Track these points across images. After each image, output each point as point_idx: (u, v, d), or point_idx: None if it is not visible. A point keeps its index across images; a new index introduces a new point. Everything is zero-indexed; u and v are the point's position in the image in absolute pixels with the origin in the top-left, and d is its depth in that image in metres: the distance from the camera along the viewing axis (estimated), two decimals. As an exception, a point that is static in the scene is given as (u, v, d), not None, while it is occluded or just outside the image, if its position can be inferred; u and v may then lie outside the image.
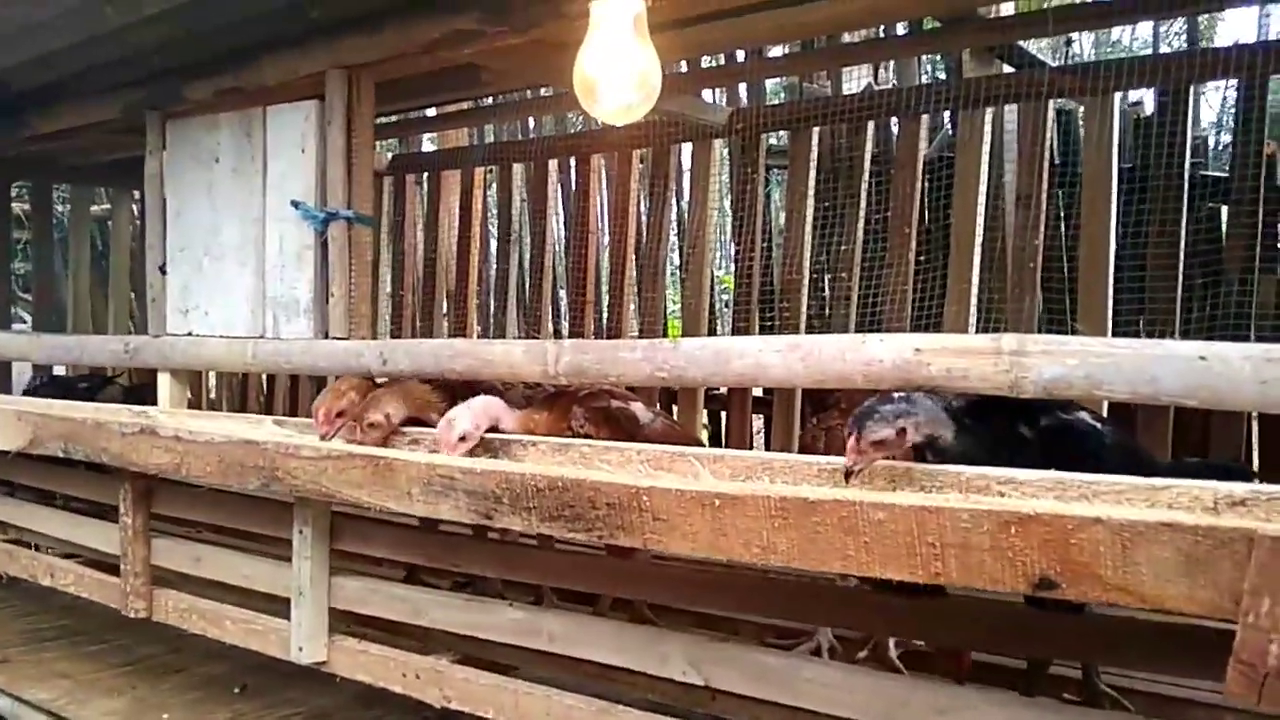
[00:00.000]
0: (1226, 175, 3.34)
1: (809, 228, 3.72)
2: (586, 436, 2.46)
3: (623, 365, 2.22)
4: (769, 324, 4.19)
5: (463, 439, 2.31)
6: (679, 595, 2.17)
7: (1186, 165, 3.16)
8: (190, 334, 3.35)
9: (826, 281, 4.02)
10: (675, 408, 3.92)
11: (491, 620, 2.45)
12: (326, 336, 2.92)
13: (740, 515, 1.75)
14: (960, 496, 1.54)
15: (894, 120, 3.91)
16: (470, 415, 2.30)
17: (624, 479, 1.91)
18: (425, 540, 2.53)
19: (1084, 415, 1.96)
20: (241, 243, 3.14)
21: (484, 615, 2.47)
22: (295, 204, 2.92)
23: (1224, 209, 3.38)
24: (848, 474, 1.84)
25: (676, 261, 4.82)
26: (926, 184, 3.59)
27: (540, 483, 2.02)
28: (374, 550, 2.70)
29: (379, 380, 2.76)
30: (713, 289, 4.34)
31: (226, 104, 3.19)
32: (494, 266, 5.10)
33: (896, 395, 1.80)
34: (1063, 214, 3.53)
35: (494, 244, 5.08)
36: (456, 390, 2.60)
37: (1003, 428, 1.89)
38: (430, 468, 2.21)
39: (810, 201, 3.73)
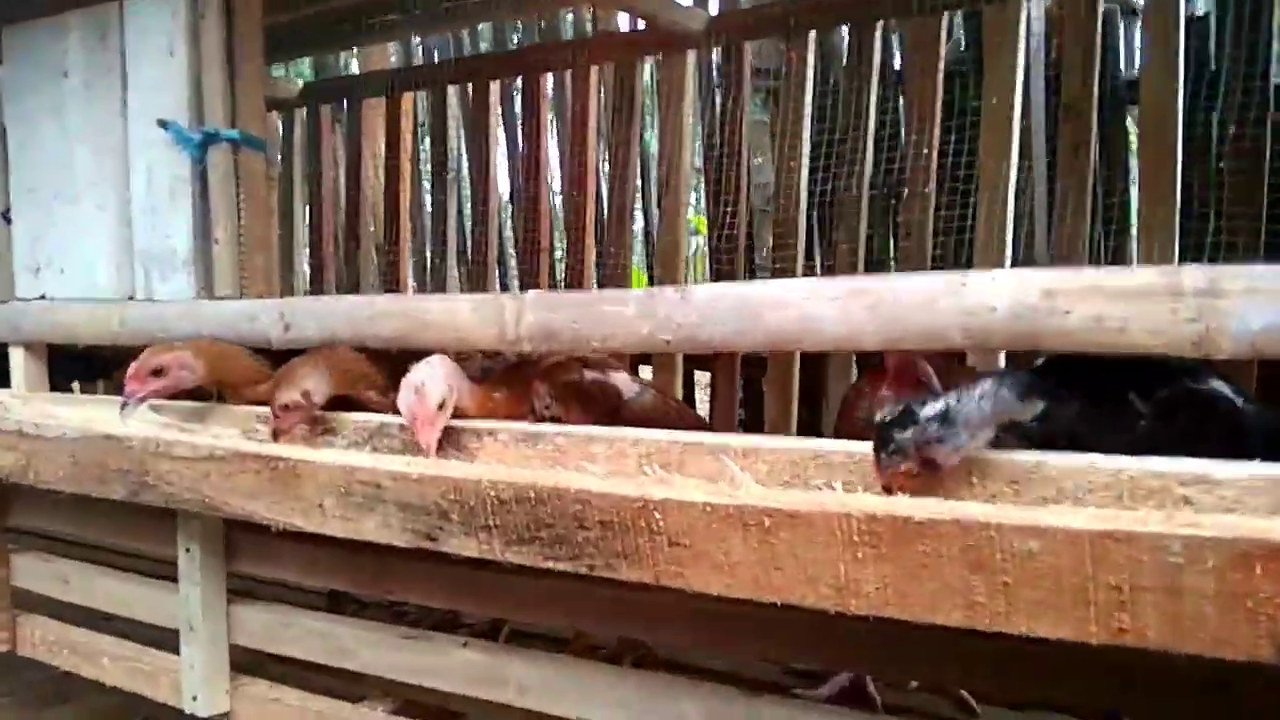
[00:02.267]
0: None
1: (806, 154, 3.16)
2: (554, 420, 1.89)
3: (609, 324, 1.67)
4: (754, 274, 3.65)
5: (442, 407, 1.73)
6: (700, 637, 1.64)
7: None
8: (44, 297, 2.69)
9: (816, 221, 3.48)
10: (647, 370, 3.36)
11: (440, 663, 1.91)
12: (211, 295, 2.31)
13: (804, 541, 1.22)
14: (1162, 516, 1.02)
15: (897, 25, 3.36)
16: (441, 373, 1.72)
17: (625, 488, 1.36)
18: (351, 560, 1.97)
19: (1220, 385, 1.44)
20: (100, 179, 2.49)
21: (430, 657, 1.92)
22: (164, 124, 2.28)
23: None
24: (887, 490, 1.35)
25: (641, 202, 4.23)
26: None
27: (504, 492, 1.47)
28: (282, 573, 2.13)
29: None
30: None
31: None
32: (429, 211, 4.45)
33: (931, 403, 1.32)
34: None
35: (428, 184, 4.43)
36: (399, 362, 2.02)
37: (1106, 399, 1.38)
38: (348, 472, 1.64)
39: (808, 124, 3.17)
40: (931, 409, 1.32)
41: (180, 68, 2.28)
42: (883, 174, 3.32)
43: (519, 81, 4.11)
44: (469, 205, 4.20)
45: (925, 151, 2.93)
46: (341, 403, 2.02)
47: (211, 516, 2.07)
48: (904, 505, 1.16)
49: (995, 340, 1.34)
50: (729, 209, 3.38)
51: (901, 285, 1.41)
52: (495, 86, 3.92)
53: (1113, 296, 1.24)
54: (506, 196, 4.42)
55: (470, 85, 4.07)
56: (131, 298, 2.47)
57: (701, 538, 1.30)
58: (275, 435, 1.90)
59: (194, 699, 2.18)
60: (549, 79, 4.01)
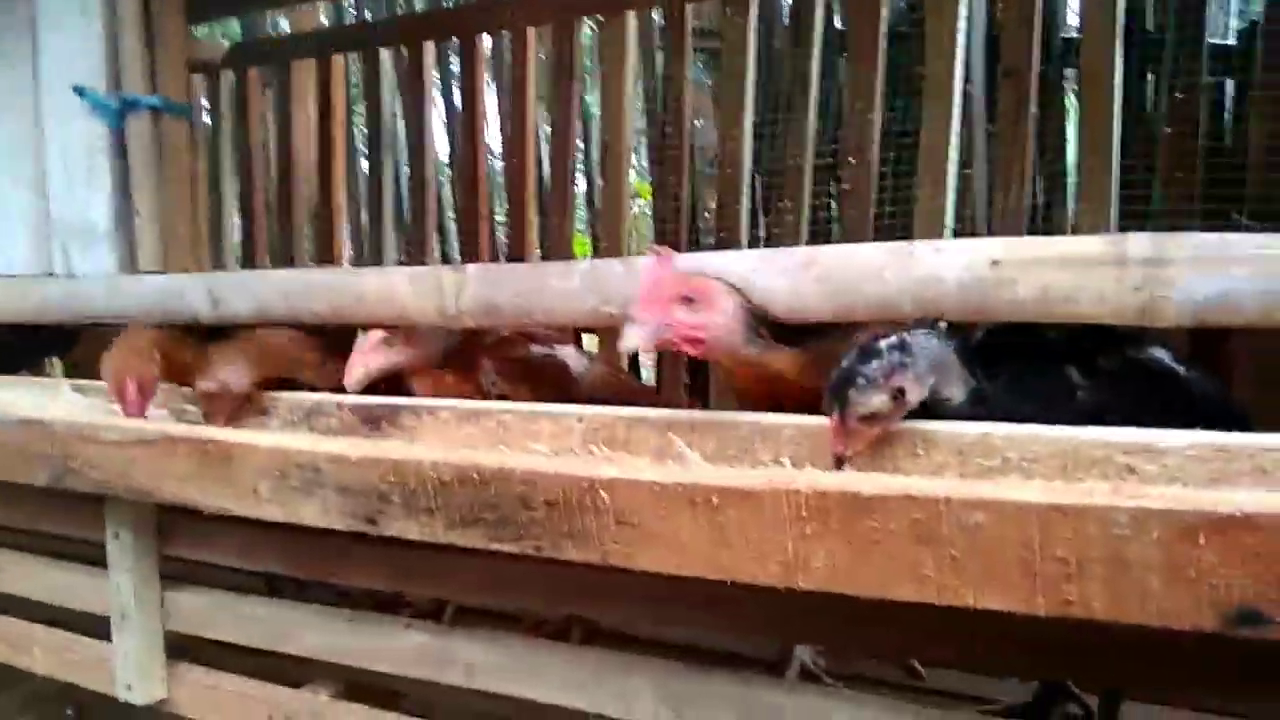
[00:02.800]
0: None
1: (749, 119, 3.12)
2: (501, 398, 1.86)
3: (552, 299, 1.63)
4: (698, 241, 3.62)
5: (386, 343, 1.69)
6: (647, 614, 1.63)
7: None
8: (-43, 275, 2.56)
9: (760, 188, 3.45)
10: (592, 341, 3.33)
11: (386, 646, 1.88)
12: (135, 270, 2.21)
13: (753, 518, 1.21)
14: (1109, 488, 1.02)
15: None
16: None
17: (572, 467, 1.33)
18: (290, 543, 1.92)
19: (1159, 353, 1.45)
20: (14, 151, 2.37)
21: (376, 640, 1.89)
22: (79, 91, 2.17)
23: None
24: (839, 462, 1.35)
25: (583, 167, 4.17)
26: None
27: (446, 473, 1.43)
28: (218, 557, 2.07)
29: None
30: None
31: (-22, -43, 2.38)
32: (363, 180, 4.33)
33: (885, 339, 1.30)
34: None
35: (364, 150, 4.30)
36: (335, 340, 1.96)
37: (1044, 374, 1.38)
38: (284, 454, 1.59)
39: (750, 88, 3.13)
40: (887, 342, 1.30)
41: (94, 31, 2.17)
42: (828, 139, 3.30)
43: (454, 42, 3.99)
44: (406, 172, 4.09)
45: (868, 117, 2.91)
46: (284, 384, 1.96)
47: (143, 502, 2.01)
48: (852, 480, 1.16)
49: (946, 311, 1.33)
50: (672, 174, 3.34)
51: (853, 255, 1.39)
52: (429, 49, 3.81)
53: (1059, 265, 1.24)
54: (446, 162, 4.32)
55: (405, 47, 3.95)
56: (51, 274, 2.36)
57: (650, 517, 1.29)
58: (205, 420, 1.84)
59: (128, 688, 2.12)
60: (486, 41, 3.91)
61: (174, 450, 1.73)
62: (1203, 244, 1.16)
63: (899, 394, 1.31)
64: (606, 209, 3.43)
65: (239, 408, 1.88)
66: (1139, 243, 1.19)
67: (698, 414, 1.52)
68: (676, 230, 3.37)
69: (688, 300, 1.41)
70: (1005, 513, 1.06)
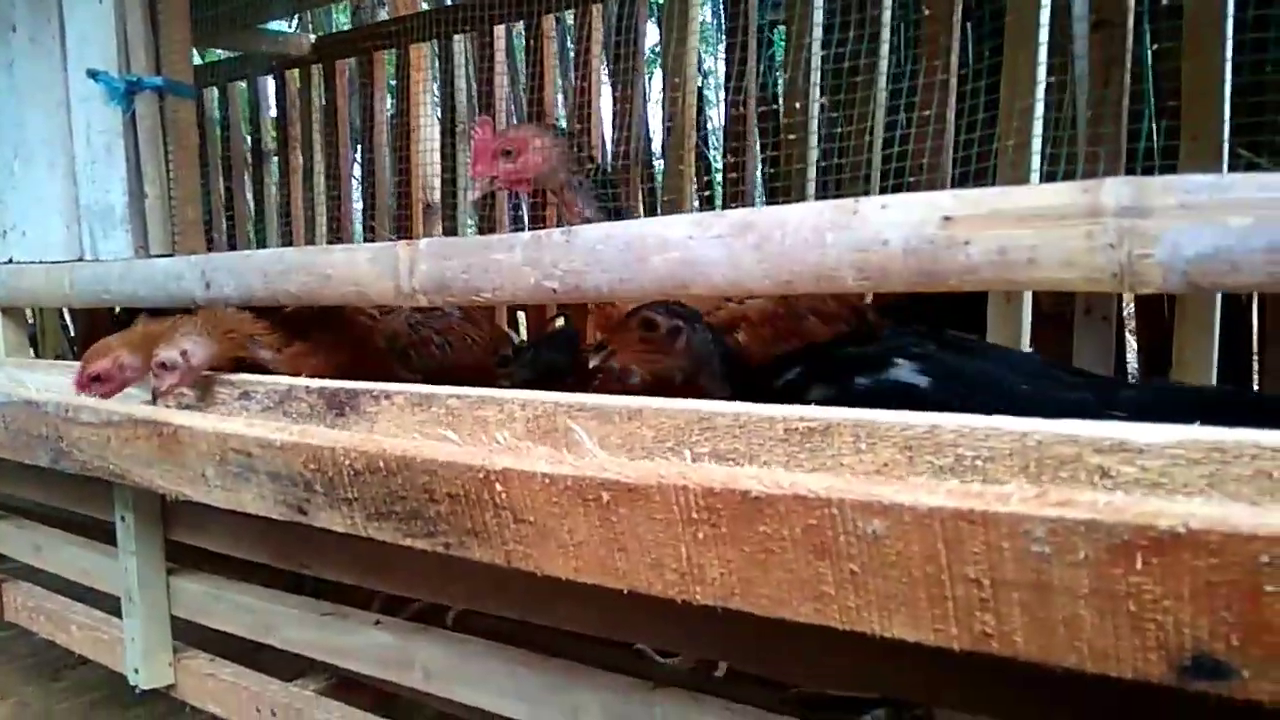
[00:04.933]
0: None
1: (693, 74, 2.87)
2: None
3: (498, 274, 1.49)
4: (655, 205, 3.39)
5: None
6: (600, 621, 1.47)
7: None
8: (11, 261, 2.65)
9: (709, 146, 3.19)
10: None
11: (354, 643, 1.79)
12: (148, 252, 2.22)
13: (644, 518, 1.04)
14: (1032, 491, 0.80)
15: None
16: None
17: (467, 456, 1.19)
18: (268, 531, 1.86)
19: (903, 371, 1.32)
20: (49, 136, 2.42)
21: (344, 636, 1.80)
22: (93, 74, 2.18)
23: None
24: None
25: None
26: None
27: (358, 461, 1.32)
28: (213, 543, 2.04)
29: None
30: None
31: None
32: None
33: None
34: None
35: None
36: (300, 321, 1.89)
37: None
38: (221, 439, 1.52)
39: (694, 42, 2.88)
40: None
41: (107, 14, 2.18)
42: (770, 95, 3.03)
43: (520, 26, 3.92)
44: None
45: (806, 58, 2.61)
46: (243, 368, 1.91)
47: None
48: (742, 477, 0.97)
49: (893, 280, 1.11)
50: (625, 132, 3.15)
51: (792, 217, 1.19)
52: (501, 31, 3.73)
53: (1018, 221, 1.01)
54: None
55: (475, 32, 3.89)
56: (81, 258, 2.40)
57: (544, 514, 1.13)
58: (154, 396, 1.80)
59: (135, 671, 2.13)
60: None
61: (136, 432, 1.69)
62: (1193, 187, 0.91)
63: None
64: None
65: (194, 383, 1.83)
66: (1116, 189, 0.95)
67: (636, 400, 1.34)
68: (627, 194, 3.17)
69: (507, 152, 1.72)
70: (905, 520, 0.85)
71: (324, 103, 4.33)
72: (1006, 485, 0.84)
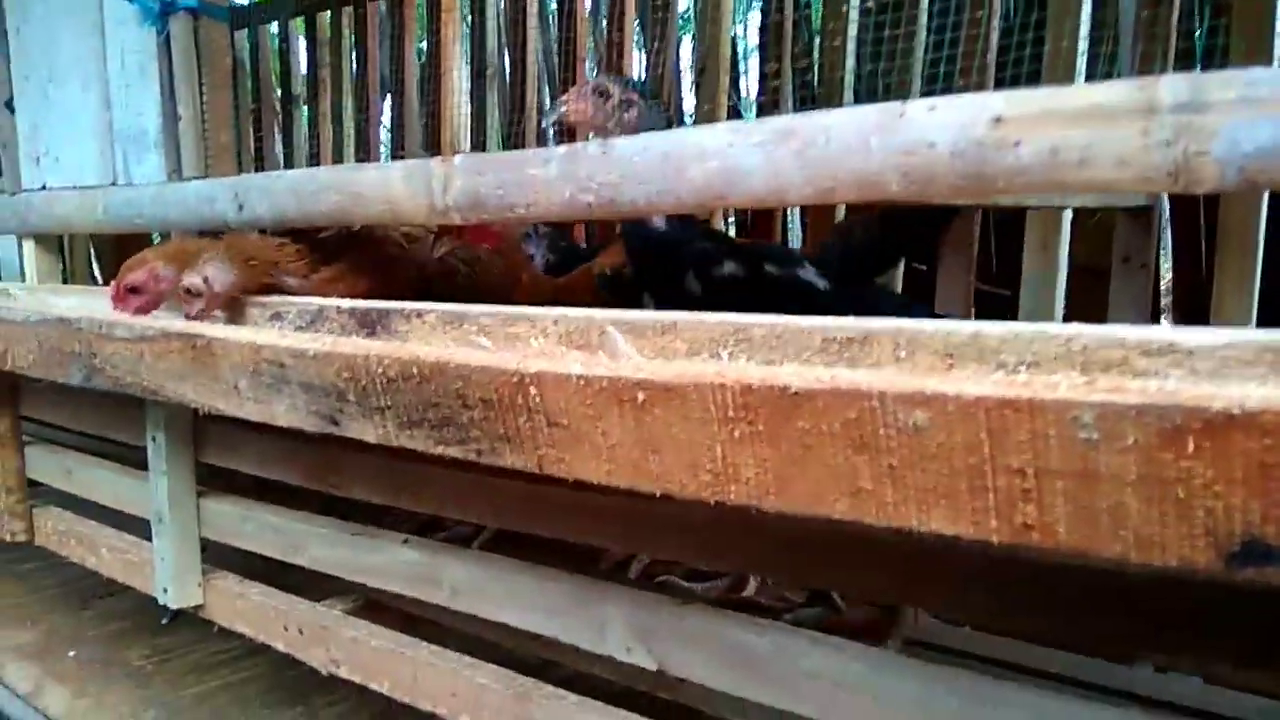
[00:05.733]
0: None
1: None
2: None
3: (533, 189, 1.48)
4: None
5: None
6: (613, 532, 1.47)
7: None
8: (44, 187, 2.67)
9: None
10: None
11: (382, 561, 1.81)
12: (180, 176, 2.22)
13: (680, 418, 1.03)
14: (1081, 379, 0.79)
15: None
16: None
17: (501, 361, 1.19)
18: (299, 451, 1.88)
19: (809, 271, 1.46)
20: (83, 58, 2.42)
21: (373, 555, 1.82)
22: (128, -5, 2.18)
23: None
24: None
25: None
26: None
27: (391, 369, 1.32)
28: (241, 464, 2.06)
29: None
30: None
31: None
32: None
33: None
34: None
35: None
36: (327, 248, 1.89)
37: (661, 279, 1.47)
38: (255, 350, 1.52)
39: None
40: None
41: (141, -68, 2.17)
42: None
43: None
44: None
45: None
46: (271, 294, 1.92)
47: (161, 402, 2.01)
48: (781, 374, 0.96)
49: (938, 186, 1.10)
50: (657, 42, 3.12)
51: (835, 123, 1.17)
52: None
53: (1071, 120, 0.98)
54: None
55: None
56: (114, 183, 2.41)
57: (579, 417, 1.13)
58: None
59: (164, 590, 2.16)
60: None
61: (169, 346, 1.70)
62: (1255, 81, 0.89)
63: None
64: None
65: (223, 308, 1.84)
66: (1173, 85, 0.93)
67: (669, 315, 1.34)
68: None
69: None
70: (950, 411, 0.84)
71: (354, 46, 4.32)
72: (1054, 376, 0.82)
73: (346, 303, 1.77)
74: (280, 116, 4.72)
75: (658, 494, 1.10)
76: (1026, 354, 1.03)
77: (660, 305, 1.49)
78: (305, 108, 4.76)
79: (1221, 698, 1.48)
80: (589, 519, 1.49)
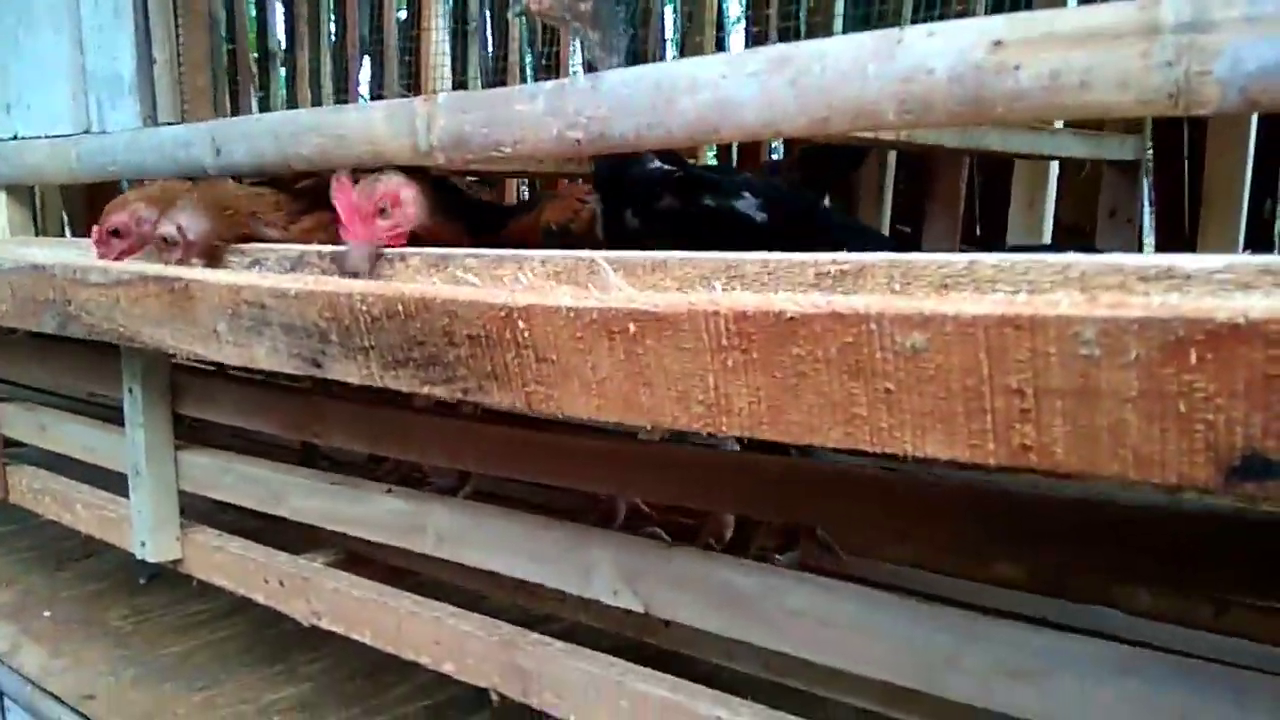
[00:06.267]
0: None
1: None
2: None
3: (520, 126, 1.45)
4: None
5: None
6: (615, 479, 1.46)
7: None
8: (16, 136, 2.61)
9: None
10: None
11: (364, 512, 1.79)
12: (156, 122, 2.17)
13: (671, 349, 1.02)
14: (1082, 297, 0.78)
15: None
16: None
17: (489, 295, 1.17)
18: (279, 402, 1.85)
19: (748, 202, 1.46)
20: (54, 1, 2.36)
21: (355, 505, 1.80)
22: (100, -67, 2.12)
23: None
24: None
25: None
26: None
27: (375, 306, 1.30)
28: (223, 416, 2.03)
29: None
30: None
31: None
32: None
33: None
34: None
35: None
36: (308, 196, 1.85)
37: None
38: (235, 291, 1.50)
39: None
40: None
41: None
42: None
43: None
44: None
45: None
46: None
47: (136, 350, 1.98)
48: (779, 300, 0.95)
49: (936, 113, 1.08)
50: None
51: (832, 50, 1.15)
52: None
53: (1072, 43, 0.97)
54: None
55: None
56: (88, 130, 2.36)
57: (568, 351, 1.11)
58: None
59: (142, 544, 2.13)
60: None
61: (146, 290, 1.67)
62: (1261, -2, 0.87)
63: None
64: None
65: (201, 257, 1.80)
66: (1174, 5, 0.91)
67: (659, 254, 1.32)
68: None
69: (381, 210, 1.62)
70: (948, 332, 0.83)
71: (333, 8, 4.25)
72: (1054, 294, 0.82)
73: (328, 248, 1.74)
74: (256, 75, 4.64)
75: (648, 428, 1.09)
76: (1023, 282, 1.02)
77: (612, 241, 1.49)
78: (282, 69, 4.68)
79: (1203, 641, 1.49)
80: (573, 463, 1.48)
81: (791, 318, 0.92)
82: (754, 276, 1.23)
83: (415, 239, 1.66)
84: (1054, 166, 2.49)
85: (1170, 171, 2.67)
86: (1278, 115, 2.77)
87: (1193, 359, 0.72)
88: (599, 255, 1.29)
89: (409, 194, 1.63)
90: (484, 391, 1.23)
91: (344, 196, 1.62)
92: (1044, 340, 0.78)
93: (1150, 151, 2.58)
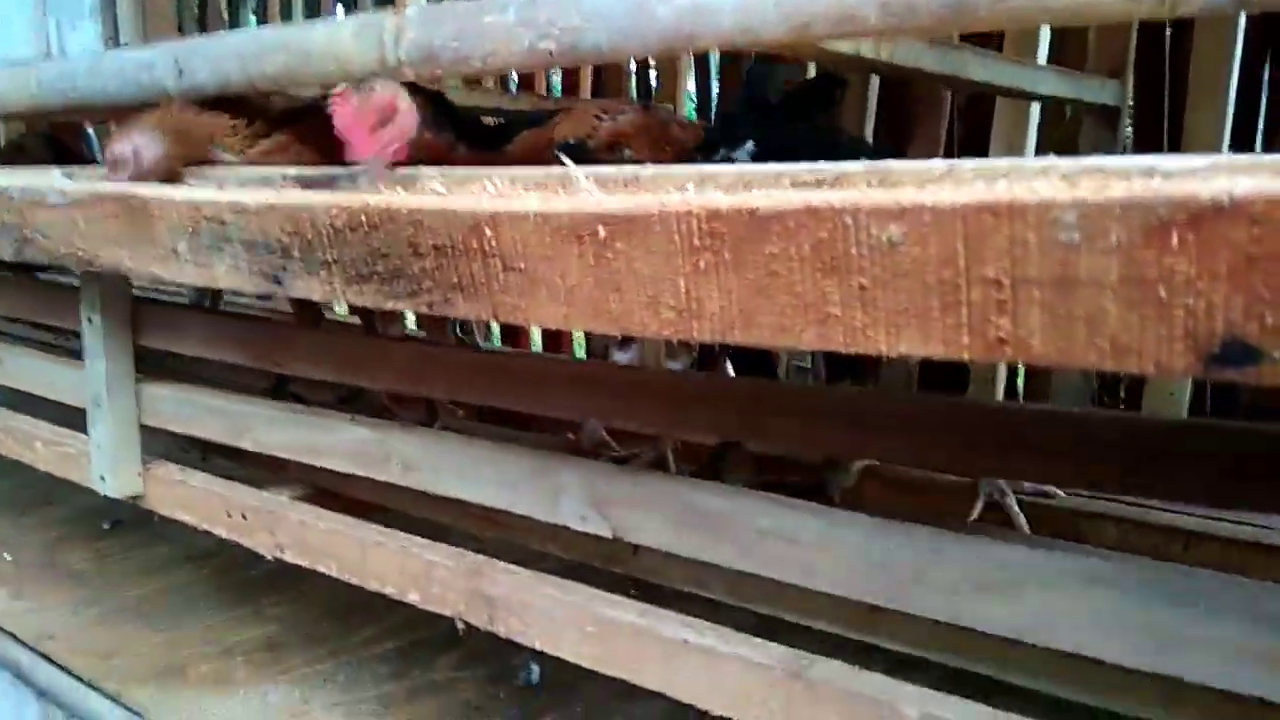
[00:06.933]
0: None
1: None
2: None
3: (490, 38, 1.41)
4: None
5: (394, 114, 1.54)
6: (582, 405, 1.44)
7: None
8: (-28, 64, 2.52)
9: None
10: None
11: (330, 440, 1.76)
12: (117, 43, 2.11)
13: (642, 251, 1.00)
14: (1064, 183, 0.76)
15: None
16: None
17: (456, 203, 1.14)
18: (242, 330, 1.81)
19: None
20: (9, -81, 2.27)
21: (320, 435, 1.77)
22: None
23: None
24: None
25: None
26: None
27: (339, 218, 1.26)
28: (182, 347, 1.99)
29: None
30: None
31: None
32: None
33: None
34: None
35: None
36: (272, 122, 1.80)
37: None
38: (194, 208, 1.46)
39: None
40: None
41: None
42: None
43: None
44: None
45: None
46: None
47: (113, 280, 1.94)
48: (752, 197, 0.92)
49: (920, 16, 1.05)
50: None
51: (811, -48, 1.12)
52: None
53: (1062, -63, 0.94)
54: None
55: None
56: (48, 55, 2.28)
57: (536, 258, 1.09)
58: None
59: (101, 479, 2.09)
60: None
61: (104, 210, 1.63)
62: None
63: None
64: None
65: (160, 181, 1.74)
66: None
67: (635, 169, 1.28)
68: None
69: (383, 122, 1.47)
70: (926, 222, 0.81)
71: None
72: (1035, 181, 0.80)
73: (292, 170, 1.70)
74: (226, 18, 4.54)
75: (618, 336, 1.07)
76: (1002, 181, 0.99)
77: None
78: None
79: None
80: (542, 386, 1.45)
81: (765, 215, 0.90)
82: (729, 186, 1.20)
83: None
84: (1035, 116, 2.48)
85: (1149, 121, 2.67)
86: (1258, 72, 2.77)
87: (1175, 241, 0.70)
88: (567, 160, 1.26)
89: (405, 103, 1.52)
90: (450, 304, 1.20)
91: (346, 108, 1.49)
92: (1023, 226, 0.76)
93: (1131, 101, 2.58)
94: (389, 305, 1.26)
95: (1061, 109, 2.38)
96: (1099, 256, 0.73)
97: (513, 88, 3.34)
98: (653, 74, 3.06)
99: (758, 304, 0.93)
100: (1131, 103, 2.54)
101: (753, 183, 1.20)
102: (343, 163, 1.75)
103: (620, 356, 1.68)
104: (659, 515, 1.33)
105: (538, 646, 1.40)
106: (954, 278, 0.81)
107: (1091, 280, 0.74)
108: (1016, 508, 1.64)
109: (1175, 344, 0.72)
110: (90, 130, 3.37)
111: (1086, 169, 0.95)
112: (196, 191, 1.48)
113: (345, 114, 1.52)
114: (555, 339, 3.59)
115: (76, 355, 2.32)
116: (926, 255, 0.81)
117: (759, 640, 1.21)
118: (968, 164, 1.03)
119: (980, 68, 1.66)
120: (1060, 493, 1.74)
